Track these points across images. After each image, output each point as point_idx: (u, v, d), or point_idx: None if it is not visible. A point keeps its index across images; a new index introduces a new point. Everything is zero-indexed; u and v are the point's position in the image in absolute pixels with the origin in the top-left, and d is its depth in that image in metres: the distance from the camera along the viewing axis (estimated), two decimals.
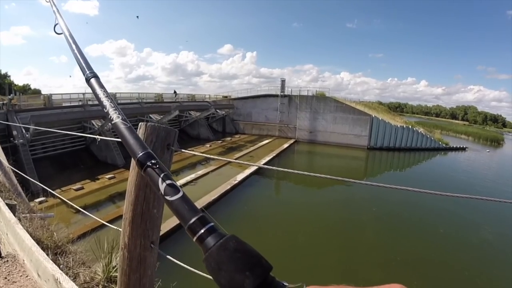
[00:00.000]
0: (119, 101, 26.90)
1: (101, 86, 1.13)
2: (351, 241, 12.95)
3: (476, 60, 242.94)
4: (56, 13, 1.80)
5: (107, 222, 2.54)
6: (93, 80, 1.16)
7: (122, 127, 0.91)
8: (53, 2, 1.94)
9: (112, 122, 0.95)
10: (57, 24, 1.71)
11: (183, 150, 1.54)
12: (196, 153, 1.81)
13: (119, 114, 0.96)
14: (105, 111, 1.01)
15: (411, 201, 17.76)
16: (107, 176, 17.40)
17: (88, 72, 1.20)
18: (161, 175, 0.75)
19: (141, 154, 0.82)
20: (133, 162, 1.32)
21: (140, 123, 1.35)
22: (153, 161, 0.79)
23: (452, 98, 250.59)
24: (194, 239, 0.63)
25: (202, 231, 0.63)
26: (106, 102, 1.03)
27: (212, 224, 0.64)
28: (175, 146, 1.33)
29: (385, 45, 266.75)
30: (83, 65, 1.24)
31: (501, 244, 13.90)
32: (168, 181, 0.73)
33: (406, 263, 11.34)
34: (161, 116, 26.50)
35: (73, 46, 1.41)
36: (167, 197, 0.71)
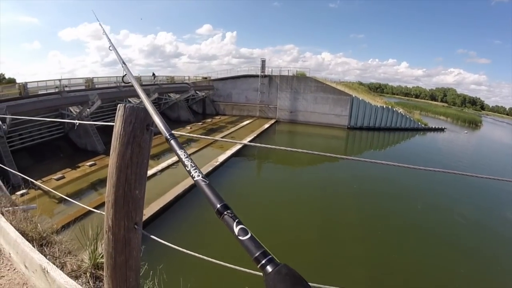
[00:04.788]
0: (96, 86, 26.33)
1: (181, 147, 1.26)
2: (333, 217, 13.35)
3: (458, 44, 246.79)
4: (123, 65, 2.09)
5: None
6: (173, 142, 1.28)
7: (202, 184, 1.05)
8: (119, 55, 2.26)
9: (194, 179, 1.07)
10: (125, 75, 2.00)
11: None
12: (181, 133, 1.84)
13: (199, 173, 1.09)
14: (187, 169, 1.13)
15: (390, 179, 18.33)
16: (88, 164, 17.12)
17: (167, 133, 1.31)
18: (236, 221, 0.95)
19: (219, 206, 0.98)
20: (113, 144, 1.37)
21: (118, 105, 1.38)
22: (229, 211, 0.97)
23: (432, 80, 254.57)
24: (258, 266, 0.84)
25: (264, 261, 0.84)
26: (187, 162, 1.16)
27: (270, 256, 0.85)
28: (155, 127, 1.36)
29: (367, 26, 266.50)
30: (162, 126, 1.33)
31: (476, 218, 14.71)
32: (240, 226, 0.94)
33: (386, 238, 11.78)
34: (140, 100, 25.89)
35: (147, 104, 1.43)
36: (240, 237, 0.91)
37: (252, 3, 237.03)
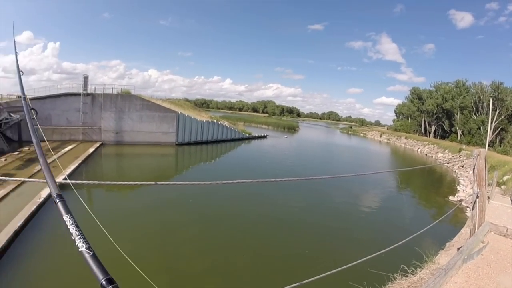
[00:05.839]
0: None
1: (68, 211, 1.15)
2: (172, 236, 13.57)
3: (276, 63, 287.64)
4: None
5: None
6: (60, 204, 1.17)
7: (86, 255, 1.02)
8: None
9: (79, 250, 1.03)
10: None
11: None
12: None
13: (83, 242, 1.05)
14: (72, 238, 1.06)
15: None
16: None
17: (55, 193, 1.23)
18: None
19: (103, 280, 0.96)
20: None
21: None
22: (114, 285, 0.96)
23: (253, 94, 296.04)
24: None
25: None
26: (72, 229, 1.09)
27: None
28: None
29: (195, 44, 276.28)
30: (49, 182, 1.34)
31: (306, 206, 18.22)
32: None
33: (214, 242, 13.02)
34: None
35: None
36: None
37: (81, 11, 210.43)
